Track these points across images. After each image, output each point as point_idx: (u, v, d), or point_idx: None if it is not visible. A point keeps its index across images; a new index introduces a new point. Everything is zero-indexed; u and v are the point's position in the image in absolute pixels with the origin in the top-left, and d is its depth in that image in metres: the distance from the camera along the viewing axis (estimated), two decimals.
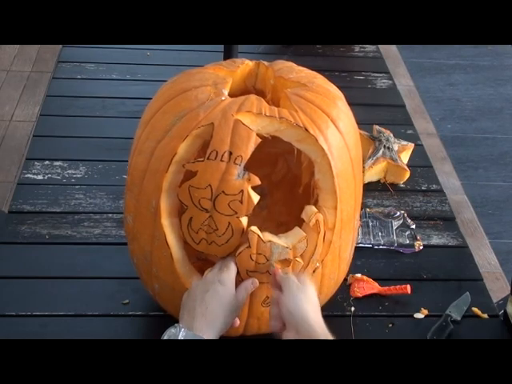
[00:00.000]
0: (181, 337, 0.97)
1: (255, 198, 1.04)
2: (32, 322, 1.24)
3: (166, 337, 0.98)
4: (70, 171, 1.60)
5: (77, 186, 1.56)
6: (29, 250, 1.38)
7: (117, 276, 1.33)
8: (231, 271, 1.06)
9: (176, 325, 0.99)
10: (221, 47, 1.77)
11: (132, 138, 1.16)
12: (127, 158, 1.16)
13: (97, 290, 1.31)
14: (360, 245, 1.43)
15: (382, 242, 1.46)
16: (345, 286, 1.32)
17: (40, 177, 1.57)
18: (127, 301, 1.28)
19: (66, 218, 1.46)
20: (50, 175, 1.58)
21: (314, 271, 1.12)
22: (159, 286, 1.15)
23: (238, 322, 1.09)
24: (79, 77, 1.96)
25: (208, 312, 1.02)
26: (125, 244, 1.22)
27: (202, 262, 1.14)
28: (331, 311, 1.26)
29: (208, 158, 1.02)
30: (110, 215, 1.48)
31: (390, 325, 1.29)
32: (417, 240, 1.47)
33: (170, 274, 1.11)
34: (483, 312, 1.33)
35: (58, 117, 1.79)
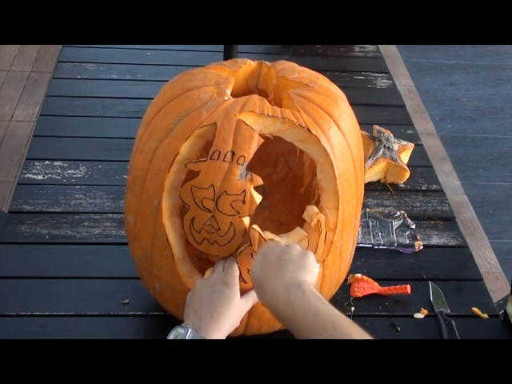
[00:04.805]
0: (188, 338, 0.97)
1: (258, 198, 1.04)
2: (32, 322, 1.24)
3: (172, 336, 0.98)
4: (69, 171, 1.60)
5: (77, 186, 1.55)
6: (29, 250, 1.38)
7: (117, 276, 1.33)
8: (235, 272, 1.06)
9: (183, 325, 0.99)
10: (221, 47, 1.77)
11: (132, 138, 1.16)
12: (127, 158, 1.16)
13: (97, 290, 1.31)
14: (360, 245, 1.42)
15: (382, 242, 1.46)
16: (345, 286, 1.32)
17: (40, 177, 1.57)
18: (127, 301, 1.28)
19: (66, 218, 1.46)
20: (50, 175, 1.58)
21: None
22: (160, 286, 1.15)
23: (238, 323, 1.09)
24: (79, 77, 1.96)
25: (215, 313, 1.01)
26: (125, 244, 1.22)
27: (202, 262, 1.14)
28: None
29: (211, 158, 1.02)
30: (110, 215, 1.48)
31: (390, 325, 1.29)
32: (417, 240, 1.47)
33: (171, 274, 1.11)
34: (483, 312, 1.33)
35: (57, 117, 1.79)
